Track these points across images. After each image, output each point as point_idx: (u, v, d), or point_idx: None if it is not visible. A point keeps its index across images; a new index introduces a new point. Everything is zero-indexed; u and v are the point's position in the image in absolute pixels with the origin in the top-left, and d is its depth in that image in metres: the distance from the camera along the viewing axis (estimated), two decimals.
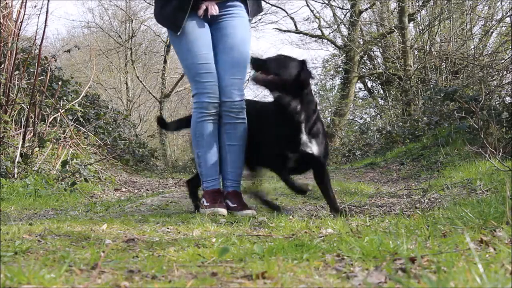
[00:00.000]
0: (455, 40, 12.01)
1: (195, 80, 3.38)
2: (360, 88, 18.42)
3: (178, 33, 3.35)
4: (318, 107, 3.41)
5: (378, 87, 17.67)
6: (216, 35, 3.43)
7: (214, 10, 3.38)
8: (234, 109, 3.40)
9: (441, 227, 2.19)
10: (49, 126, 5.74)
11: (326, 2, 16.79)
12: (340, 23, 17.02)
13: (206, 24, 3.43)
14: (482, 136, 5.42)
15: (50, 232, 2.29)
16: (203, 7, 3.38)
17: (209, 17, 3.39)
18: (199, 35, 3.38)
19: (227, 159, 3.44)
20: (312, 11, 17.45)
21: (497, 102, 7.67)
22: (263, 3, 3.72)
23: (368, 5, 16.39)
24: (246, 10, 3.50)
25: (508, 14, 10.08)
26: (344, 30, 17.00)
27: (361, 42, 16.35)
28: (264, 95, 15.20)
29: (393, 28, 14.45)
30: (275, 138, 3.26)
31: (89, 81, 7.86)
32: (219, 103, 3.39)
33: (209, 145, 3.41)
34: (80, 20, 36.08)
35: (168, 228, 2.60)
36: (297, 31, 17.86)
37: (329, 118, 17.12)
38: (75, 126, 6.57)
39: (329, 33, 17.60)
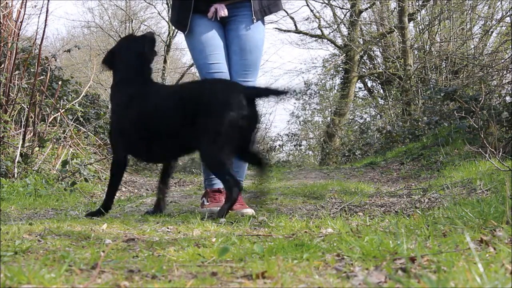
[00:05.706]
0: (455, 39, 12.01)
1: None
2: (360, 88, 18.38)
3: (186, 32, 3.41)
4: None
5: (378, 87, 17.64)
6: (229, 36, 3.46)
7: (223, 12, 3.38)
8: None
9: (441, 227, 2.19)
10: (49, 126, 5.74)
11: (326, 1, 16.75)
12: (340, 22, 16.99)
13: (219, 25, 3.44)
14: (482, 136, 5.41)
15: (50, 232, 2.29)
16: (213, 9, 3.40)
17: (218, 19, 3.40)
18: (210, 36, 3.40)
19: None
20: (312, 10, 17.33)
21: (497, 102, 7.66)
22: None
23: (368, 5, 16.35)
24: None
25: (508, 13, 10.08)
26: (344, 30, 16.97)
27: (361, 42, 16.33)
28: None
29: (393, 27, 14.43)
30: None
31: (89, 81, 7.83)
32: None
33: None
34: (80, 20, 36.01)
35: (168, 228, 2.61)
36: (297, 31, 17.81)
37: (329, 118, 17.11)
38: (75, 126, 6.55)
39: (329, 33, 17.55)
